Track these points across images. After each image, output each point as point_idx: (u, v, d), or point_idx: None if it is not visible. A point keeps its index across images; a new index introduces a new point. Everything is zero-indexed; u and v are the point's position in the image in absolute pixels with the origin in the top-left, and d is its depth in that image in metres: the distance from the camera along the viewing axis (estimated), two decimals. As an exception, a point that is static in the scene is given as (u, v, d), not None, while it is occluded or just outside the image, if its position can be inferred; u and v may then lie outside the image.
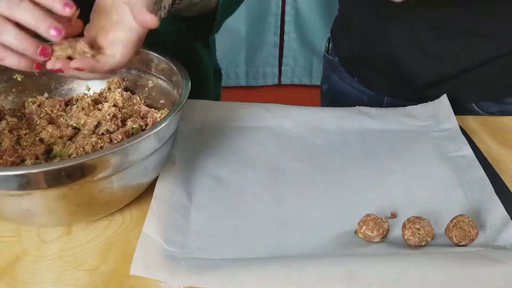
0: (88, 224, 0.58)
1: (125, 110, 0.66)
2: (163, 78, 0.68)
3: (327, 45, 1.03)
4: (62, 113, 0.67)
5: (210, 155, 0.68)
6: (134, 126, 0.62)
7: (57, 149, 0.59)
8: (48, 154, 0.59)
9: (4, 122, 0.63)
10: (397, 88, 0.88)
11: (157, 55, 0.67)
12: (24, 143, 0.61)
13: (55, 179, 0.48)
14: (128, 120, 0.64)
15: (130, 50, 0.53)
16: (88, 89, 0.71)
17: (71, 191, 0.50)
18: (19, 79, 0.68)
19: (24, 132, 0.62)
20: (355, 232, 0.56)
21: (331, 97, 1.02)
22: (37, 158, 0.58)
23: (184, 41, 0.81)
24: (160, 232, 0.54)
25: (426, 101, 0.78)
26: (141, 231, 0.54)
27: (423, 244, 0.54)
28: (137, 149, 0.52)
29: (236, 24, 1.90)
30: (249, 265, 0.50)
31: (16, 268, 0.53)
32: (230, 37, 1.95)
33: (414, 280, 0.48)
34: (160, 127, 0.52)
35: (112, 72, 0.54)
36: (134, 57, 0.55)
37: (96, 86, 0.71)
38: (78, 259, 0.54)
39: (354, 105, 0.78)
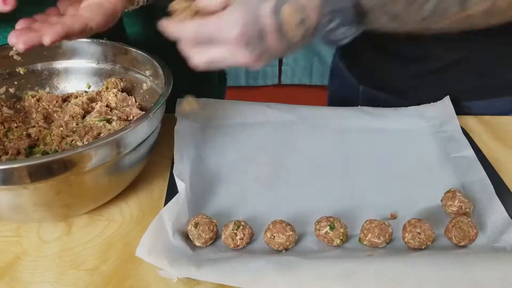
0: (88, 224, 0.58)
1: (117, 111, 0.66)
2: (155, 81, 0.67)
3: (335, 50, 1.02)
4: (57, 108, 0.67)
5: (212, 154, 0.68)
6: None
7: (39, 146, 0.60)
8: (31, 149, 0.60)
9: None
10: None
11: (148, 56, 0.66)
12: (11, 136, 0.61)
13: (36, 174, 0.49)
14: (114, 120, 0.64)
15: (99, 17, 0.56)
16: (89, 87, 0.72)
17: (57, 185, 0.51)
18: (21, 72, 0.69)
19: (15, 125, 0.63)
20: (359, 240, 0.55)
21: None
22: (18, 153, 0.59)
23: None
24: (172, 221, 0.54)
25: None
26: (141, 231, 0.53)
27: (423, 247, 0.54)
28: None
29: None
30: (247, 262, 0.50)
31: (16, 268, 0.53)
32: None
33: (410, 280, 0.48)
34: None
35: (81, 34, 0.56)
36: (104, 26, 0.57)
37: (97, 85, 0.72)
38: (78, 259, 0.54)
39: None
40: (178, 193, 0.57)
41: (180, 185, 0.57)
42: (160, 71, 0.63)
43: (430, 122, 0.75)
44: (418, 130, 0.74)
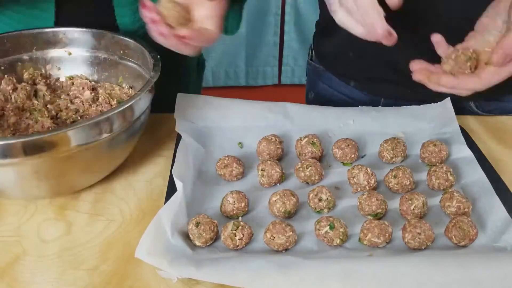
0: (88, 224, 0.58)
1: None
2: (145, 68, 0.69)
3: (310, 52, 1.00)
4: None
5: (211, 156, 0.68)
6: None
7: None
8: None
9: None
10: (397, 88, 0.86)
11: (138, 44, 0.68)
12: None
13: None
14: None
15: (220, 23, 0.59)
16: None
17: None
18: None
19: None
20: (359, 240, 0.55)
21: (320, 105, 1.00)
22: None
23: None
24: (171, 221, 0.54)
25: (426, 100, 0.77)
26: (141, 231, 0.53)
27: (423, 247, 0.54)
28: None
29: (236, 24, 1.90)
30: (247, 262, 0.50)
31: (16, 268, 0.53)
32: (230, 37, 1.95)
33: (410, 280, 0.48)
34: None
35: (208, 43, 0.60)
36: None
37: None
38: (78, 259, 0.54)
39: None
40: (176, 193, 0.57)
41: (179, 185, 0.57)
42: (148, 57, 0.65)
43: (431, 123, 0.74)
44: (418, 133, 0.73)
